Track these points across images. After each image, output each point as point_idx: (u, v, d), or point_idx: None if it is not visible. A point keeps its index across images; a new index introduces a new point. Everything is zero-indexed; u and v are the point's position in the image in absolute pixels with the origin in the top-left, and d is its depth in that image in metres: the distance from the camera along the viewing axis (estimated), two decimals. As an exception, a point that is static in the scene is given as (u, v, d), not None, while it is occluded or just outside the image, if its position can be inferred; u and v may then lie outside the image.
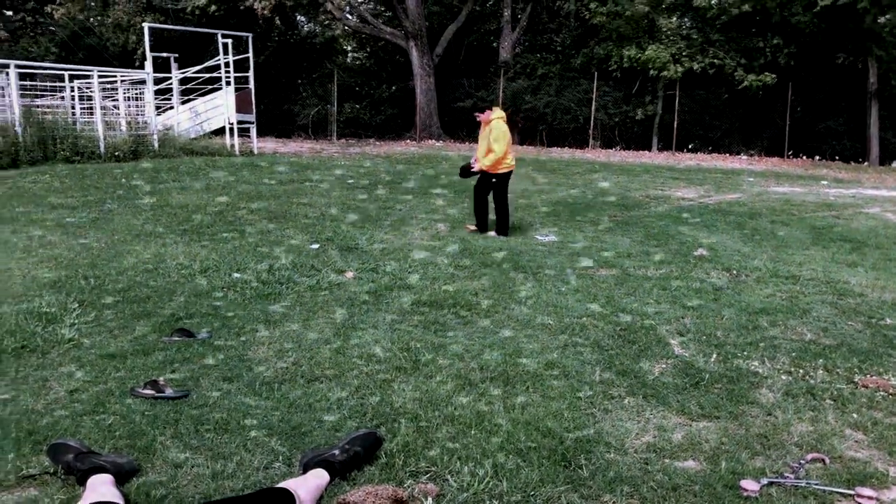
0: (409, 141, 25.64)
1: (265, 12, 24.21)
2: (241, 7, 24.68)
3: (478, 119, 8.12)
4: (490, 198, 8.24)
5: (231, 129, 17.13)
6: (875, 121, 23.24)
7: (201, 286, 5.59)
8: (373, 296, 5.44)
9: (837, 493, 2.81)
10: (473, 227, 8.24)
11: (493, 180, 8.09)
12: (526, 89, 26.47)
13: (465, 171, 8.38)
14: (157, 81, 16.96)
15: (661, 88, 24.87)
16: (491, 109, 8.05)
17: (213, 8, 24.86)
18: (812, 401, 3.68)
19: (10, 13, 30.98)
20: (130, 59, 25.94)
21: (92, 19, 28.66)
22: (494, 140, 7.81)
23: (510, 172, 8.18)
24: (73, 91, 16.88)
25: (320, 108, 28.32)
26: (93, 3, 28.02)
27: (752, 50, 23.33)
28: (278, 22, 28.60)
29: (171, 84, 18.53)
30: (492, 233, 8.11)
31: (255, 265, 6.23)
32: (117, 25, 26.35)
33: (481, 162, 8.00)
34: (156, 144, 15.35)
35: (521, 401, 3.57)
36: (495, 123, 7.89)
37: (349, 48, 33.57)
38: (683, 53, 23.53)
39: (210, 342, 4.37)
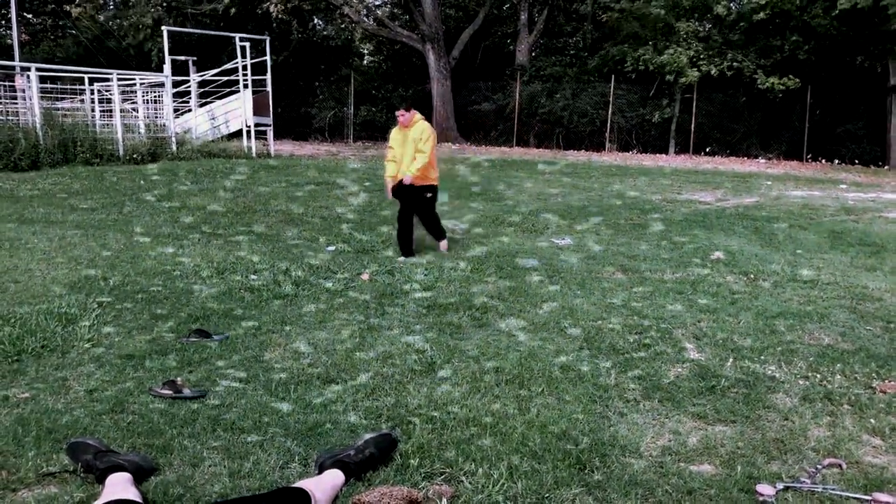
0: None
1: (281, 15, 24.34)
2: (259, 11, 24.81)
3: (399, 118, 6.86)
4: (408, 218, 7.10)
5: (248, 132, 17.24)
6: (895, 124, 23.01)
7: (218, 288, 5.63)
8: (388, 298, 5.46)
9: (854, 498, 2.79)
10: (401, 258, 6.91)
11: (429, 195, 7.03)
12: (542, 92, 26.43)
13: (402, 189, 6.99)
14: (175, 84, 17.10)
15: (679, 91, 24.75)
16: (410, 110, 6.83)
17: (229, 5, 24.93)
18: (829, 406, 3.66)
19: (30, 16, 31.35)
20: (148, 61, 26.13)
21: (111, 22, 28.94)
22: (425, 142, 6.75)
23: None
24: (92, 94, 17.04)
25: (337, 110, 28.43)
26: (111, 5, 28.28)
27: (771, 52, 23.17)
28: (295, 25, 28.74)
29: (189, 87, 18.68)
30: (442, 244, 7.23)
31: (272, 267, 6.27)
32: (136, 27, 26.56)
33: (408, 170, 6.80)
34: (174, 147, 15.48)
35: (536, 403, 3.57)
36: (423, 125, 6.83)
37: (366, 51, 33.68)
38: (701, 56, 23.41)
39: (227, 343, 4.40)
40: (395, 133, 7.01)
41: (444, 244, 7.29)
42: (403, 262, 6.75)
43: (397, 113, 6.89)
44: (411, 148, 6.80)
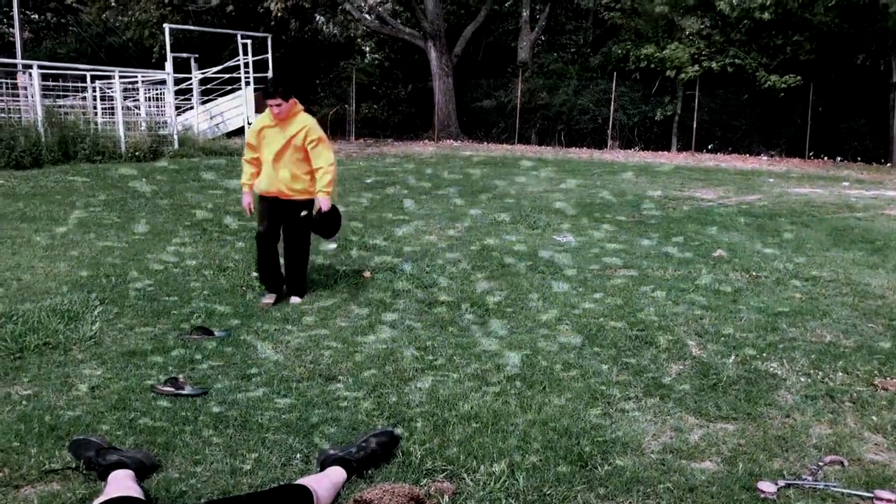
0: (427, 141, 25.65)
1: (279, 14, 24.27)
2: (260, 9, 24.75)
3: (272, 109, 5.05)
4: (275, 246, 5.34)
5: (250, 129, 17.23)
6: (898, 121, 22.94)
7: (220, 285, 5.63)
8: (390, 295, 5.46)
9: (856, 495, 2.79)
10: (270, 301, 5.25)
11: (305, 213, 5.27)
12: (543, 89, 26.38)
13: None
14: (176, 82, 17.11)
15: (681, 88, 24.71)
16: (287, 99, 5.03)
17: (230, 8, 24.88)
18: (831, 403, 3.66)
19: (33, 14, 31.37)
20: (149, 57, 26.08)
21: (112, 19, 28.91)
22: (315, 144, 5.11)
23: None
24: (94, 91, 17.05)
25: (338, 107, 28.41)
26: (114, 3, 28.24)
27: (773, 49, 23.13)
28: (294, 24, 28.70)
29: (190, 84, 18.69)
30: (296, 298, 5.33)
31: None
32: (138, 23, 26.50)
33: (322, 191, 5.12)
34: (175, 144, 15.49)
35: (538, 400, 3.57)
36: (306, 119, 5.19)
37: (367, 48, 33.63)
38: (703, 53, 23.37)
39: (229, 340, 4.40)
40: (260, 125, 5.22)
41: (297, 298, 5.33)
42: (269, 304, 5.19)
43: (270, 102, 5.03)
44: (291, 151, 5.11)
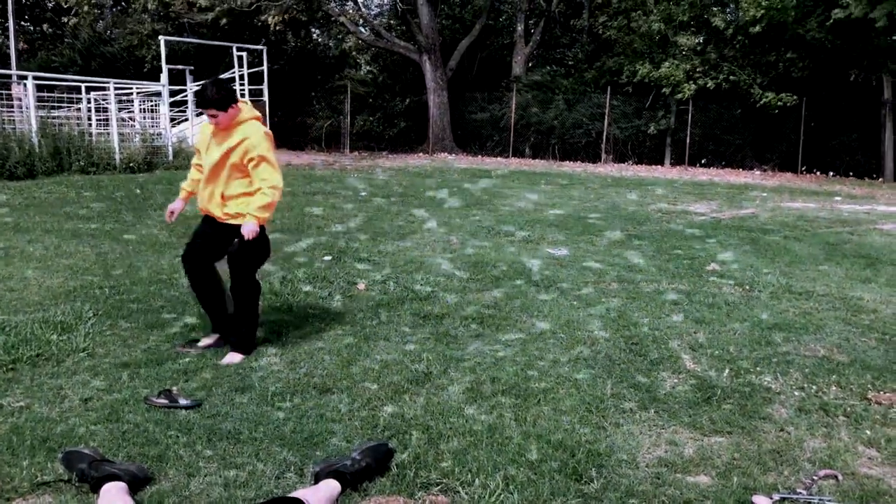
0: (421, 154, 25.71)
1: (278, 27, 24.35)
2: (257, 22, 24.83)
3: (212, 120, 4.21)
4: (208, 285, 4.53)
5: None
6: (889, 136, 23.10)
7: (214, 296, 5.61)
8: (385, 308, 5.46)
9: (850, 509, 2.80)
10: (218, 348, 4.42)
11: (238, 240, 4.26)
12: (538, 103, 26.50)
13: (246, 252, 4.30)
14: (172, 93, 17.12)
15: (674, 103, 24.86)
16: (236, 105, 4.19)
17: (224, 21, 24.92)
18: (825, 417, 3.66)
19: (28, 25, 31.42)
20: (142, 68, 26.08)
21: (108, 31, 28.97)
22: (257, 162, 4.18)
23: None
24: (89, 102, 17.06)
25: (333, 120, 28.48)
26: (108, 15, 28.32)
27: (766, 65, 23.31)
28: (290, 36, 28.81)
29: (185, 96, 18.71)
30: (234, 355, 4.29)
31: (268, 276, 6.26)
32: (131, 33, 26.53)
33: (249, 215, 4.19)
34: (170, 156, 15.49)
35: (533, 413, 3.57)
36: (252, 127, 4.24)
37: (362, 61, 33.76)
38: (697, 70, 23.54)
39: (223, 352, 4.38)
40: (206, 131, 4.44)
41: (235, 356, 4.29)
42: (204, 347, 4.42)
43: (207, 113, 4.19)
44: (228, 169, 4.24)
